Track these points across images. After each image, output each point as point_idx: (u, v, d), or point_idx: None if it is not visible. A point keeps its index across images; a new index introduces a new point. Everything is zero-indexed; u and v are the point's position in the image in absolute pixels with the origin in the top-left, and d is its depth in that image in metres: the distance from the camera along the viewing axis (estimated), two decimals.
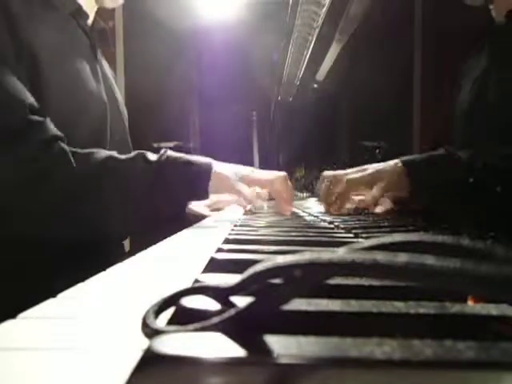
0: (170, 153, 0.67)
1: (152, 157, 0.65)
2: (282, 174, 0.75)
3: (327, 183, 0.80)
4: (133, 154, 0.65)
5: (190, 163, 0.66)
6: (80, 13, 0.80)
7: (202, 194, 0.67)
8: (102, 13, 0.92)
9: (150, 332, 0.16)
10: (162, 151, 0.67)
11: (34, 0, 0.71)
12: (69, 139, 0.70)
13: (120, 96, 0.92)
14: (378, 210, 0.81)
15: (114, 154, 0.63)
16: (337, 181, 0.78)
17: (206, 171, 0.66)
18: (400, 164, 0.72)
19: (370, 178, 0.74)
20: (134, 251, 0.40)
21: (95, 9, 0.86)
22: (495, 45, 0.87)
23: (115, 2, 0.86)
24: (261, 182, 0.74)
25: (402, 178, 0.71)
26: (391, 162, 0.73)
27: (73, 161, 0.60)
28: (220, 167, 0.69)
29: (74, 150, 0.62)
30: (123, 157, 0.64)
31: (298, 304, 0.18)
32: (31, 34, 0.66)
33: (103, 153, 0.63)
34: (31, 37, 0.66)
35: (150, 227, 0.73)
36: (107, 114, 0.79)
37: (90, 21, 0.84)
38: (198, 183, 0.66)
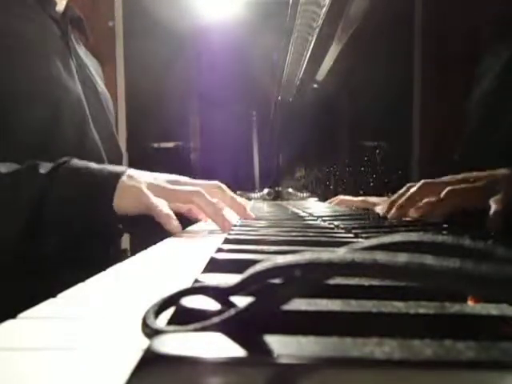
0: (73, 162, 0.55)
1: (43, 169, 0.53)
2: (214, 184, 0.64)
3: (416, 189, 0.66)
4: (24, 165, 0.54)
5: (90, 175, 0.54)
6: (46, 0, 0.74)
7: (106, 213, 0.54)
8: (103, 13, 0.91)
9: (150, 332, 0.16)
10: (63, 160, 0.55)
11: None
12: (48, 136, 0.65)
13: (103, 87, 0.86)
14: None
15: None
16: (429, 188, 0.65)
17: (109, 184, 0.54)
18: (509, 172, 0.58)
19: (479, 190, 0.59)
20: (134, 251, 0.40)
21: None
22: None
23: None
24: (185, 196, 0.58)
25: None
26: (498, 172, 0.60)
27: None
28: (131, 178, 0.55)
29: None
30: (6, 170, 0.53)
31: (297, 304, 0.18)
32: None
33: None
34: None
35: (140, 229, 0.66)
36: (84, 106, 0.74)
37: (61, 8, 0.78)
38: (98, 199, 0.54)
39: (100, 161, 0.76)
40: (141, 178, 0.56)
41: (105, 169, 0.56)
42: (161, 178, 0.60)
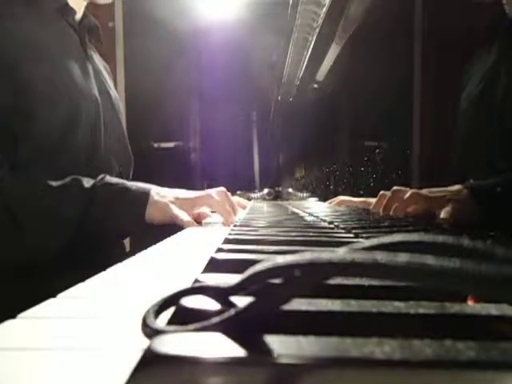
0: (108, 179, 0.66)
1: (87, 183, 0.64)
2: (220, 189, 0.76)
3: (387, 196, 0.83)
4: (68, 179, 0.64)
5: (126, 190, 0.65)
6: (67, 9, 0.78)
7: (139, 222, 0.66)
8: (103, 13, 0.91)
9: (150, 332, 0.16)
10: (100, 177, 0.66)
11: None
12: (63, 141, 0.70)
13: (115, 92, 0.90)
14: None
15: (48, 181, 0.62)
16: (401, 191, 0.80)
17: (142, 199, 0.65)
18: (466, 191, 0.72)
19: (434, 197, 0.74)
20: (133, 251, 0.40)
21: (84, 4, 0.84)
22: (507, 40, 0.86)
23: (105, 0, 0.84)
24: (197, 201, 0.72)
25: (469, 206, 0.70)
26: (456, 187, 0.74)
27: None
28: (158, 194, 0.67)
29: (4, 176, 0.61)
30: (55, 184, 0.62)
31: (297, 304, 0.18)
32: (12, 33, 0.65)
33: (35, 181, 0.62)
34: (12, 36, 0.65)
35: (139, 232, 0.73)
36: (100, 111, 0.77)
37: (78, 16, 0.82)
38: (132, 211, 0.65)
39: (110, 163, 0.81)
40: (166, 194, 0.69)
41: (135, 185, 0.68)
42: (181, 192, 0.72)
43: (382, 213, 0.85)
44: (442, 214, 0.70)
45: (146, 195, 0.66)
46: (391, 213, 0.80)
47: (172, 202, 0.68)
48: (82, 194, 0.63)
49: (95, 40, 0.90)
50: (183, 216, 0.67)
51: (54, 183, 0.62)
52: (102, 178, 0.66)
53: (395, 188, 0.83)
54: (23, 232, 0.61)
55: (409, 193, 0.77)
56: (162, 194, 0.68)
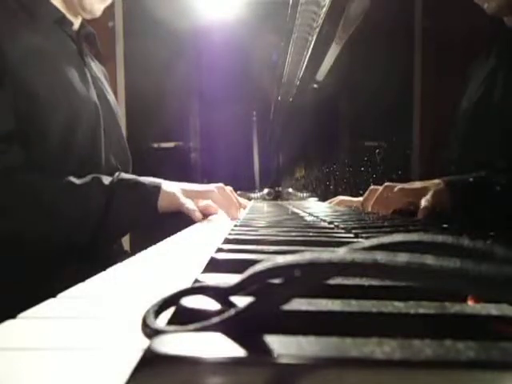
0: (123, 176, 0.73)
1: (106, 180, 0.71)
2: (219, 185, 0.84)
3: (380, 190, 0.90)
4: (89, 177, 0.70)
5: (139, 184, 0.73)
6: (64, 20, 0.82)
7: (152, 212, 0.73)
8: (103, 13, 0.93)
9: (150, 332, 0.16)
10: (116, 174, 0.73)
11: (17, 12, 0.73)
12: (65, 144, 0.74)
13: (113, 97, 0.94)
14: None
15: (71, 179, 0.68)
16: (389, 188, 0.88)
17: (155, 191, 0.73)
18: (442, 184, 0.82)
19: (417, 190, 0.83)
20: (134, 251, 0.40)
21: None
22: (505, 48, 0.88)
23: (93, 15, 0.88)
24: (201, 194, 0.81)
25: (444, 196, 0.80)
26: (434, 181, 0.84)
27: (28, 188, 0.66)
28: (168, 186, 0.75)
29: (30, 178, 0.67)
30: (79, 182, 0.69)
31: (297, 304, 0.18)
32: (13, 46, 0.69)
33: (60, 179, 0.68)
34: (13, 49, 0.68)
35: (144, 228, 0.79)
36: (100, 115, 0.81)
37: (76, 26, 0.86)
38: (147, 202, 0.73)
39: (111, 164, 0.85)
40: (174, 186, 0.76)
41: (147, 179, 0.75)
42: (186, 185, 0.80)
43: (369, 207, 0.92)
44: (422, 203, 0.78)
45: (157, 188, 0.73)
46: (382, 206, 0.87)
47: (179, 192, 0.75)
48: (104, 190, 0.69)
49: (93, 48, 0.94)
50: (189, 205, 0.74)
51: (77, 181, 0.68)
52: (118, 175, 0.73)
53: (387, 184, 0.90)
54: (52, 225, 0.67)
55: (398, 187, 0.85)
56: (170, 186, 0.76)
